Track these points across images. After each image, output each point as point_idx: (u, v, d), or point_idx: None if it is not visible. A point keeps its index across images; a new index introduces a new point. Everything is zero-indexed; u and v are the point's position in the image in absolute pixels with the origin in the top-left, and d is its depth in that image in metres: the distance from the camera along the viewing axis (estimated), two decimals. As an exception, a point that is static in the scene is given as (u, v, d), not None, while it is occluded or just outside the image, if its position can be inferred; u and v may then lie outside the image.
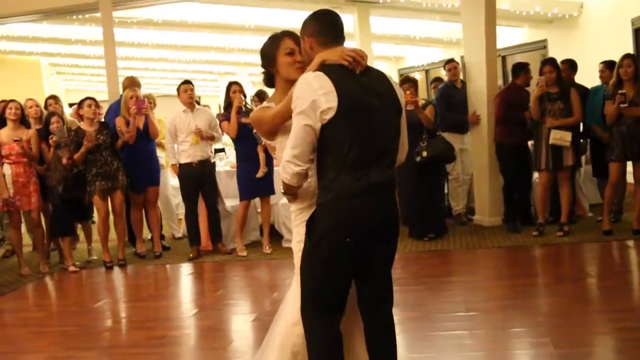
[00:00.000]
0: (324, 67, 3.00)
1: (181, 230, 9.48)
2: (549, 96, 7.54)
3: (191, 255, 8.09)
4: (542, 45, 13.27)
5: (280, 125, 3.22)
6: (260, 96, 8.58)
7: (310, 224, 3.09)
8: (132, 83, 8.69)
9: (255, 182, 7.85)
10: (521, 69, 8.21)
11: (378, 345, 3.22)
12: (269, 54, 3.40)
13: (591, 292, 5.91)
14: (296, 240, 3.34)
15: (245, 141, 7.83)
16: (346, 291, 3.13)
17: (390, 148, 3.11)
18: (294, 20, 13.72)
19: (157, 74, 23.38)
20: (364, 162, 2.97)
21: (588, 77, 8.53)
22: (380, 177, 3.01)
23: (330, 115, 2.90)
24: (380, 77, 3.14)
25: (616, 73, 7.37)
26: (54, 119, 7.99)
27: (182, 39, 16.20)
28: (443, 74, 9.95)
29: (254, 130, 7.69)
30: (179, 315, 6.10)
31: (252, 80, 22.47)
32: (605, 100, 7.47)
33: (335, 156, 2.96)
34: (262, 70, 3.48)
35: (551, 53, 12.86)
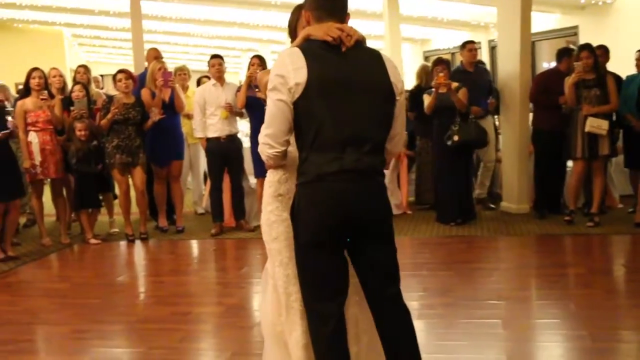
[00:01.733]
0: (305, 43, 2.88)
1: (204, 205, 9.39)
2: (585, 83, 7.36)
3: (214, 231, 7.99)
4: (573, 32, 13.00)
5: None
6: None
7: (292, 208, 2.95)
8: (157, 54, 8.59)
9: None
10: (565, 53, 8.03)
11: (393, 332, 3.02)
12: (291, 26, 3.30)
13: (626, 285, 5.75)
14: (264, 217, 3.25)
15: (259, 117, 7.63)
16: (343, 278, 2.97)
17: (371, 134, 2.86)
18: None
19: (179, 48, 23.31)
20: (338, 144, 2.79)
21: (620, 65, 8.31)
22: (356, 163, 2.80)
23: (299, 92, 2.76)
24: (372, 58, 2.95)
25: (656, 61, 7.19)
26: (76, 87, 7.91)
27: (206, 14, 16.07)
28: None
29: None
30: (202, 292, 6.01)
31: (274, 58, 22.30)
32: (643, 89, 7.29)
33: (305, 136, 2.83)
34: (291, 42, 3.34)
35: (582, 40, 12.59)
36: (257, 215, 8.23)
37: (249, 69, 7.70)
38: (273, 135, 2.85)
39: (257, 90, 7.48)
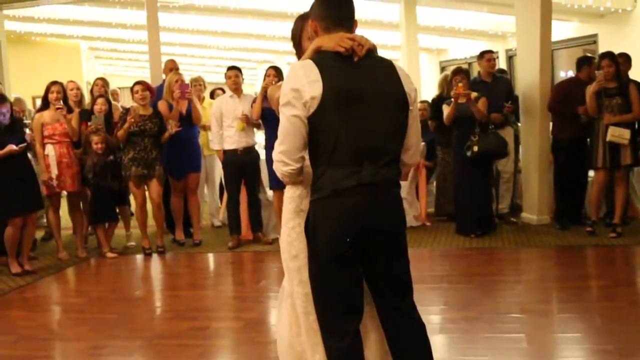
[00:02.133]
0: (317, 55, 2.80)
1: (220, 218, 9.33)
2: (607, 92, 7.27)
3: (231, 244, 7.93)
4: (592, 40, 12.87)
5: None
6: None
7: (307, 225, 2.89)
8: (173, 66, 8.57)
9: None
10: (585, 62, 7.95)
11: (407, 346, 2.96)
12: (295, 37, 3.23)
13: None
14: (284, 234, 3.18)
15: (272, 127, 7.59)
16: (360, 294, 2.91)
17: (388, 146, 2.81)
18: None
19: (195, 60, 23.32)
20: (354, 158, 2.72)
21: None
22: (374, 177, 2.74)
23: (315, 105, 2.68)
24: (385, 67, 2.88)
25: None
26: (100, 100, 7.93)
27: (223, 25, 16.08)
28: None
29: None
30: (220, 306, 5.95)
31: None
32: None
33: (322, 151, 2.75)
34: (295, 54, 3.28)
35: (602, 48, 12.46)
36: (274, 227, 8.19)
37: (264, 80, 7.65)
38: (287, 152, 2.77)
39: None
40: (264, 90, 7.44)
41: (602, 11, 11.84)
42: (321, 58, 2.77)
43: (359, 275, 2.90)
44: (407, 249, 2.96)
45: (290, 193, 3.13)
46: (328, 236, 2.78)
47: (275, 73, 7.61)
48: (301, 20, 3.17)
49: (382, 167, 2.77)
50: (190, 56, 22.19)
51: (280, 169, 2.81)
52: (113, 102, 8.99)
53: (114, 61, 25.32)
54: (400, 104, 2.85)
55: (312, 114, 2.70)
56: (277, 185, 7.66)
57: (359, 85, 2.75)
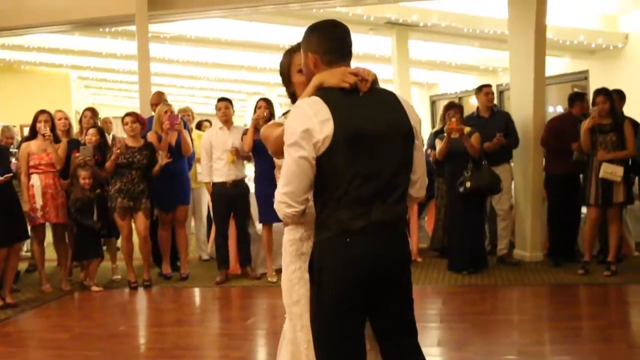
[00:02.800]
0: (322, 91, 2.67)
1: (208, 251, 9.18)
2: (601, 128, 7.20)
3: (219, 278, 7.76)
4: (583, 76, 12.90)
5: (282, 146, 2.86)
6: (285, 114, 8.11)
7: (311, 266, 2.75)
8: (160, 98, 8.46)
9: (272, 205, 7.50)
10: (577, 98, 7.93)
11: None
12: (283, 72, 3.13)
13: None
14: (286, 278, 3.02)
15: (263, 160, 7.48)
16: (363, 342, 2.78)
17: (398, 183, 2.73)
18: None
19: (185, 91, 23.27)
20: (366, 198, 2.63)
21: (631, 110, 8.12)
22: (384, 215, 2.66)
23: (326, 145, 2.57)
24: (389, 100, 2.79)
25: (674, 107, 7.03)
26: (91, 130, 7.83)
27: (214, 57, 16.05)
28: (472, 102, 9.39)
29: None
30: (208, 344, 5.78)
31: (280, 101, 22.28)
32: (664, 135, 7.12)
33: (332, 191, 2.64)
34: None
35: (592, 84, 12.49)
36: (263, 262, 8.05)
37: (255, 111, 7.56)
38: (292, 194, 2.64)
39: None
40: (256, 122, 7.35)
41: (593, 47, 11.86)
42: (328, 95, 2.65)
43: (364, 321, 2.78)
44: (412, 288, 2.86)
45: (291, 235, 2.99)
46: (336, 280, 2.66)
47: (266, 105, 7.52)
48: (289, 54, 3.07)
49: (392, 205, 2.69)
50: (180, 87, 22.16)
51: (283, 211, 2.69)
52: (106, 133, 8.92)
53: (103, 91, 25.21)
54: (407, 137, 2.76)
55: (322, 154, 2.59)
56: (267, 219, 7.56)
57: (368, 122, 2.65)
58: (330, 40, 2.78)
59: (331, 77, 2.69)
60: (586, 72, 12.76)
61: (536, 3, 7.90)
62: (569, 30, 11.41)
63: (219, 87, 21.85)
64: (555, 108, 13.28)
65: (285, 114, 8.19)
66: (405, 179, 2.78)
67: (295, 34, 13.34)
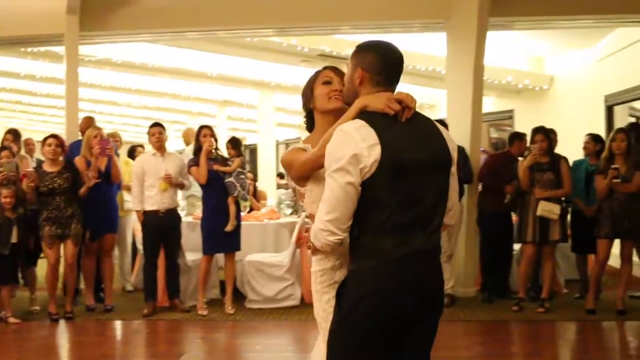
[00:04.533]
0: (366, 115, 2.58)
1: (132, 281, 8.80)
2: (539, 166, 7.27)
3: (146, 311, 7.40)
4: (508, 115, 13.22)
5: (310, 172, 2.82)
6: (234, 143, 7.95)
7: (340, 293, 2.66)
8: (90, 123, 8.12)
9: (221, 236, 7.28)
10: (516, 137, 8.03)
11: None
12: (306, 88, 3.09)
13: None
14: (319, 308, 2.94)
15: (215, 191, 7.32)
16: None
17: (437, 210, 2.67)
18: (261, 71, 13.44)
19: (104, 117, 22.62)
20: (407, 226, 2.55)
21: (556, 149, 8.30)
22: (424, 244, 2.59)
23: (372, 172, 2.48)
24: (431, 127, 2.72)
25: (608, 147, 7.18)
26: (3, 153, 7.38)
27: (137, 83, 15.68)
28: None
29: (227, 180, 7.27)
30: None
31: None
32: (596, 174, 7.24)
33: (373, 218, 2.54)
34: (304, 115, 3.15)
35: (517, 123, 12.79)
36: (192, 294, 7.76)
37: (198, 141, 7.35)
38: (337, 221, 2.54)
39: (212, 163, 7.16)
40: (208, 153, 7.13)
41: (520, 88, 12.15)
42: (373, 120, 2.56)
43: (390, 355, 2.66)
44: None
45: (321, 265, 2.92)
46: (372, 309, 2.55)
47: (212, 133, 7.35)
48: (317, 73, 3.10)
49: (431, 234, 2.63)
50: (99, 113, 21.52)
51: (325, 239, 2.57)
52: (23, 154, 8.49)
53: (17, 113, 24.28)
54: (446, 165, 2.71)
55: (366, 179, 2.50)
56: (211, 250, 7.37)
57: (412, 150, 2.58)
58: (385, 63, 2.71)
59: (376, 101, 2.61)
60: (511, 111, 13.07)
61: (475, 42, 7.99)
62: (498, 70, 11.65)
63: (140, 115, 21.45)
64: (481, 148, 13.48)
65: (231, 141, 8.00)
66: (443, 207, 2.73)
67: (218, 64, 13.25)
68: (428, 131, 2.70)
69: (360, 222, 2.59)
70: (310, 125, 3.13)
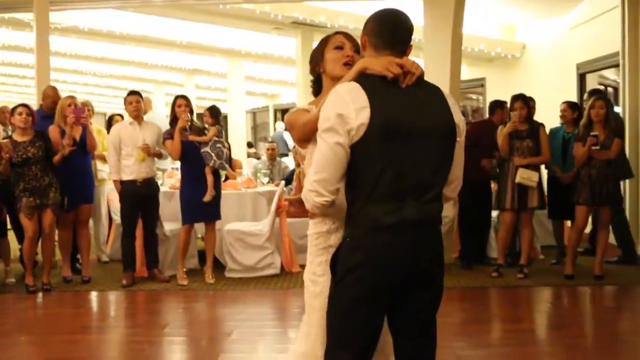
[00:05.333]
0: (362, 77, 2.54)
1: (108, 252, 8.69)
2: (518, 134, 7.30)
3: (125, 281, 7.31)
4: (479, 83, 13.25)
5: (310, 134, 2.77)
6: (213, 112, 7.82)
7: (334, 261, 2.62)
8: (55, 92, 7.90)
9: (200, 206, 7.20)
10: (498, 105, 8.05)
11: None
12: (316, 52, 3.03)
13: (585, 341, 5.56)
14: (309, 271, 2.93)
15: (192, 161, 7.22)
16: (378, 333, 2.64)
17: (435, 180, 2.59)
18: (230, 39, 13.26)
19: (67, 86, 22.17)
20: (398, 193, 2.49)
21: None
22: (418, 213, 2.51)
23: (359, 135, 2.43)
24: (434, 95, 2.65)
25: (587, 114, 7.21)
26: None
27: (103, 51, 15.39)
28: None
29: (202, 150, 7.17)
30: (127, 352, 5.37)
31: (167, 100, 21.66)
32: (575, 141, 7.29)
33: (361, 184, 2.50)
34: (311, 78, 3.09)
35: (489, 91, 12.85)
36: (171, 264, 7.70)
37: (174, 111, 7.22)
38: (324, 182, 2.48)
39: (187, 133, 7.05)
40: (184, 123, 7.02)
41: (492, 56, 12.16)
42: (369, 82, 2.50)
43: (383, 319, 2.64)
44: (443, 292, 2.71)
45: (317, 228, 2.87)
46: (366, 277, 2.51)
47: (187, 103, 7.23)
48: (328, 37, 3.04)
49: (425, 203, 2.54)
50: (63, 82, 21.09)
51: (312, 200, 2.52)
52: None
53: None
54: (449, 135, 2.61)
55: (355, 143, 2.44)
56: (190, 220, 7.28)
57: (407, 115, 2.50)
58: (381, 24, 2.65)
59: (376, 63, 2.55)
60: (483, 79, 13.09)
61: (454, 10, 7.92)
62: (470, 38, 11.61)
63: (104, 84, 21.10)
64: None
65: (211, 109, 7.89)
66: (441, 178, 2.64)
67: (189, 31, 13.05)
68: (431, 99, 2.63)
69: (352, 188, 2.56)
70: (317, 90, 3.07)
